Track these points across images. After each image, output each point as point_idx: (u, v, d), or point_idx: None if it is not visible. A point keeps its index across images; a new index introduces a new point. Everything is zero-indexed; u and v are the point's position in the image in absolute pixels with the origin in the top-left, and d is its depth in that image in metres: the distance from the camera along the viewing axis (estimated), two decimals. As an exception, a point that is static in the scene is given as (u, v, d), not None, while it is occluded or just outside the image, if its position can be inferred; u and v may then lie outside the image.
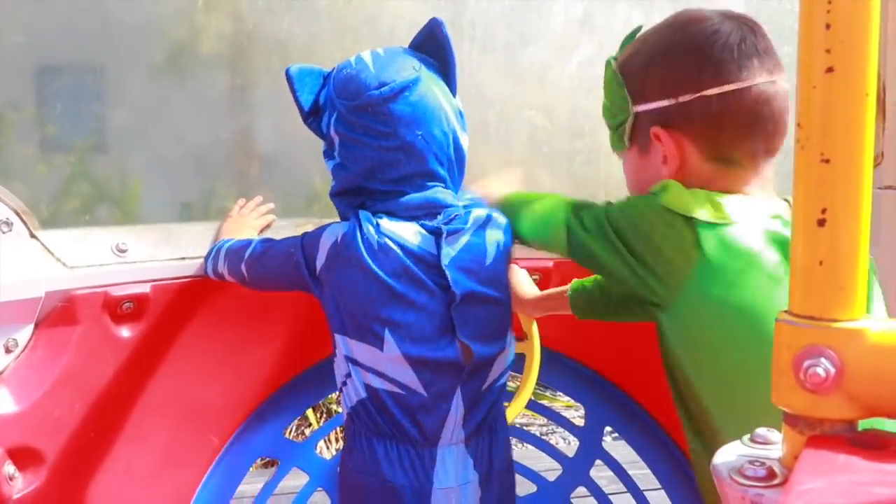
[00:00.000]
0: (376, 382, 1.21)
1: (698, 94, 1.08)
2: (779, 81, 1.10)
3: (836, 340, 0.57)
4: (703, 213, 1.05)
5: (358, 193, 1.26)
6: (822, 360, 0.57)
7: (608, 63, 1.18)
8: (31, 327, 1.34)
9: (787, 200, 1.15)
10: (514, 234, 1.29)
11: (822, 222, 0.55)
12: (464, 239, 1.23)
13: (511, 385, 2.01)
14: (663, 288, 1.06)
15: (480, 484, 1.25)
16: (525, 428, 3.22)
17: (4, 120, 1.53)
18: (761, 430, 0.67)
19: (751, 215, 1.07)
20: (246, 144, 1.69)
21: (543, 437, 2.60)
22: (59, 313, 1.36)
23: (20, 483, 1.31)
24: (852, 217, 0.55)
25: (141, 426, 1.47)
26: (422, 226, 1.23)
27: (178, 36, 1.67)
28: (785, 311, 0.59)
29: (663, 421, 1.79)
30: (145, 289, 1.43)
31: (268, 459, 2.48)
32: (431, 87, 1.24)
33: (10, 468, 1.29)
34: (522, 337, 1.59)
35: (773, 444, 0.66)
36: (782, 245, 1.05)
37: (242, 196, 1.58)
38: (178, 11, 1.65)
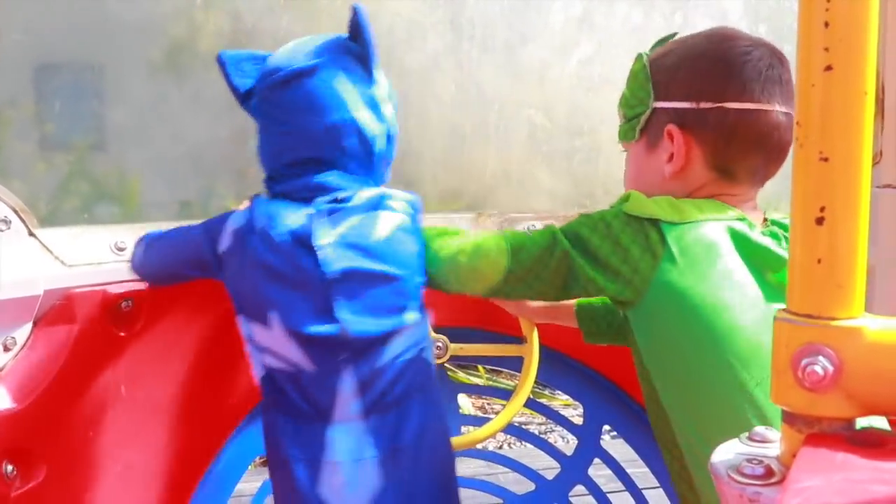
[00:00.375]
0: (270, 361, 1.24)
1: (719, 105, 1.13)
2: (791, 114, 1.14)
3: (834, 339, 0.57)
4: (666, 214, 1.10)
5: (270, 178, 1.30)
6: (821, 358, 0.57)
7: (639, 56, 1.24)
8: (29, 325, 1.33)
9: (767, 218, 1.20)
10: (429, 274, 1.28)
11: (820, 220, 0.55)
12: (353, 218, 1.24)
13: (509, 383, 2.00)
14: (630, 286, 1.11)
15: (383, 461, 1.22)
16: (524, 426, 3.22)
17: (3, 118, 1.53)
18: (759, 429, 0.67)
19: (715, 216, 1.11)
20: (245, 143, 1.68)
21: (542, 436, 2.60)
22: (58, 311, 1.36)
23: (18, 482, 1.31)
24: (851, 215, 0.55)
25: (139, 425, 1.47)
26: (305, 207, 1.24)
27: (177, 34, 1.67)
28: (783, 310, 0.59)
29: (662, 420, 1.79)
30: (144, 287, 1.43)
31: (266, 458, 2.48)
32: (335, 74, 1.24)
33: (8, 467, 1.29)
34: (523, 340, 1.59)
35: (772, 442, 0.66)
36: (744, 243, 1.09)
37: (241, 195, 1.58)
38: (177, 10, 1.65)
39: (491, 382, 3.54)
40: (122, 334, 1.43)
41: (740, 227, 1.11)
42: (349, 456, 1.21)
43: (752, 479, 0.60)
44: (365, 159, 1.27)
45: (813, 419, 0.59)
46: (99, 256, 1.42)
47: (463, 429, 1.94)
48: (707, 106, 1.14)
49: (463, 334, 1.60)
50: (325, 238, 1.22)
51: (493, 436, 1.81)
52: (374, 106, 1.27)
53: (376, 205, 1.26)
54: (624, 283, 1.11)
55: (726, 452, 0.65)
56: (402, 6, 1.73)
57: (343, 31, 1.28)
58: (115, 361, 1.43)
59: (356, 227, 1.23)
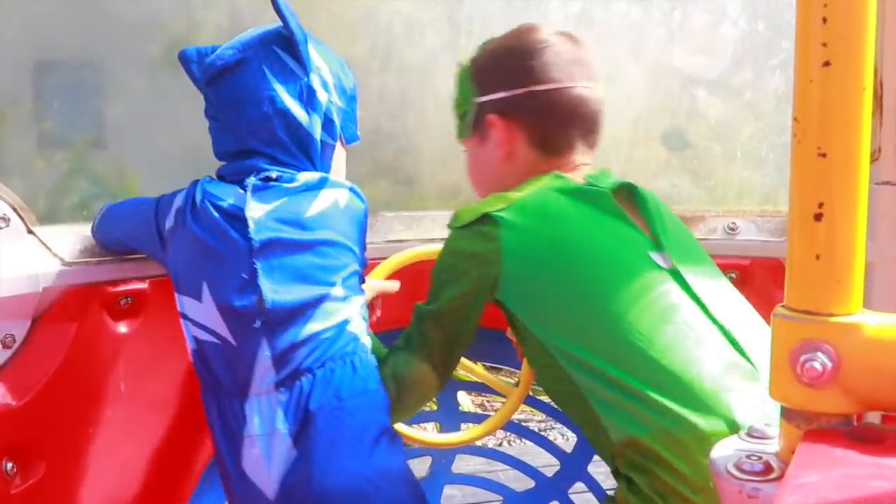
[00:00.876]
0: (200, 334, 1.27)
1: (528, 89, 1.30)
2: (596, 88, 1.33)
3: (832, 334, 0.57)
4: (492, 206, 1.23)
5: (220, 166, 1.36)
6: (819, 354, 0.57)
7: (461, 61, 1.39)
8: (28, 323, 1.33)
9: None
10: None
11: (818, 217, 0.55)
12: (286, 197, 1.27)
13: (508, 381, 2.01)
14: (488, 276, 1.22)
15: (293, 433, 1.22)
16: (523, 424, 3.22)
17: (2, 115, 1.53)
18: (758, 426, 0.67)
19: (533, 188, 1.26)
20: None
21: (542, 433, 2.61)
22: (57, 309, 1.36)
23: (18, 478, 1.31)
24: (849, 211, 0.55)
25: (139, 422, 1.47)
26: (240, 186, 1.28)
27: (176, 31, 1.66)
28: (781, 305, 0.59)
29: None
30: (143, 284, 1.43)
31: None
32: (258, 68, 1.28)
33: (8, 464, 1.29)
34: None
35: (770, 438, 0.66)
36: (565, 189, 1.25)
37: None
38: (176, 6, 1.65)
39: (490, 379, 3.53)
40: (121, 331, 1.43)
41: (558, 182, 1.27)
42: (262, 429, 1.22)
43: (751, 476, 0.60)
44: (298, 149, 1.31)
45: (811, 415, 0.59)
46: (98, 254, 1.42)
47: (462, 426, 1.94)
48: (519, 92, 1.30)
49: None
50: (254, 211, 1.25)
51: (492, 433, 1.81)
52: (305, 95, 1.29)
53: (316, 186, 1.29)
54: (485, 276, 1.22)
55: (725, 448, 0.65)
56: (400, 3, 1.73)
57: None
58: (114, 358, 1.43)
59: (288, 204, 1.27)
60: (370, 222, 1.57)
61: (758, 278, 1.65)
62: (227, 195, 1.27)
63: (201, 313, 1.26)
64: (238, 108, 1.28)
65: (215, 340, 1.25)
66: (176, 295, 1.30)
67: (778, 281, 1.74)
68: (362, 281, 1.35)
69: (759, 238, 1.67)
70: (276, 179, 1.28)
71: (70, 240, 1.40)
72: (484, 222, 1.22)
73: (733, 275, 1.63)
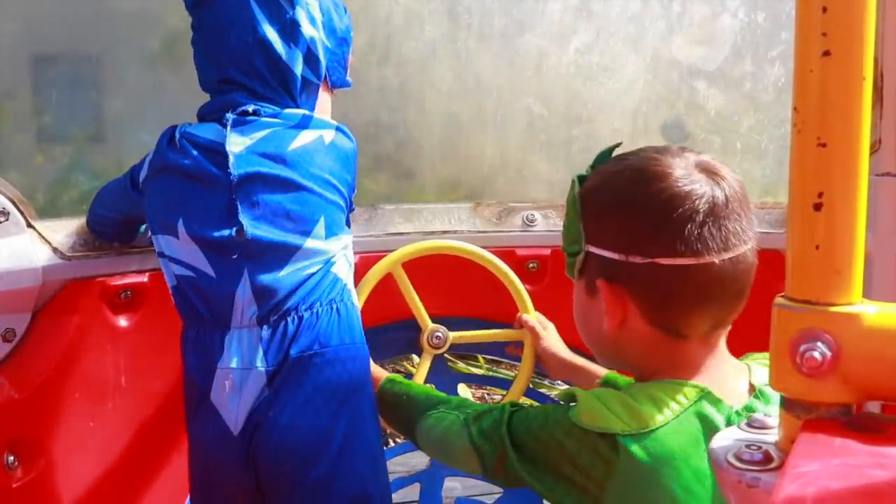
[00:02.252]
0: (178, 270, 1.26)
1: (649, 261, 0.97)
2: (745, 253, 0.99)
3: (832, 324, 0.57)
4: (617, 425, 0.97)
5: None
6: (819, 343, 0.57)
7: (574, 182, 1.07)
8: (28, 316, 1.34)
9: (748, 365, 1.06)
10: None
11: (818, 206, 0.55)
12: (266, 130, 1.25)
13: (509, 373, 2.01)
14: (585, 488, 1.00)
15: (269, 373, 1.21)
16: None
17: (1, 110, 1.53)
18: (758, 415, 0.67)
19: (674, 412, 0.98)
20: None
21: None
22: (57, 302, 1.36)
23: (20, 472, 1.31)
24: (849, 201, 0.55)
25: (139, 415, 1.47)
26: (219, 123, 1.27)
27: (173, 24, 1.66)
28: (781, 295, 0.59)
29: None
30: (143, 278, 1.43)
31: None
32: None
33: (9, 458, 1.29)
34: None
35: (770, 428, 0.66)
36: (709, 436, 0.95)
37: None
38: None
39: (491, 372, 3.54)
40: (122, 324, 1.44)
41: (708, 412, 0.98)
42: (239, 363, 1.21)
43: (751, 465, 0.60)
44: (278, 83, 1.28)
45: (811, 405, 0.59)
46: (97, 247, 1.42)
47: (462, 418, 1.94)
48: (637, 261, 0.98)
49: (461, 324, 1.60)
50: (234, 146, 1.23)
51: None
52: (288, 28, 1.27)
53: (299, 124, 1.27)
54: (581, 486, 1.00)
55: (725, 438, 0.65)
56: (399, -5, 1.73)
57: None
58: (114, 352, 1.43)
59: (269, 138, 1.25)
60: (369, 215, 1.57)
61: (758, 270, 1.65)
62: (206, 132, 1.27)
63: (178, 248, 1.25)
64: (220, 34, 1.27)
65: (192, 274, 1.24)
66: (153, 238, 1.29)
67: (778, 272, 1.74)
68: (348, 222, 1.34)
69: (760, 230, 1.67)
70: (253, 113, 1.26)
71: (70, 233, 1.41)
72: (604, 439, 0.97)
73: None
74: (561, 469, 1.01)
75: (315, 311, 1.23)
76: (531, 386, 1.72)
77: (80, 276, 1.38)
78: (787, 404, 0.61)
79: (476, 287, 1.57)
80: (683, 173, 0.97)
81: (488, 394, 3.78)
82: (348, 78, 1.40)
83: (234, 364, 1.21)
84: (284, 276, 1.23)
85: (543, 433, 1.04)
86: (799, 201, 0.56)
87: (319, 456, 1.20)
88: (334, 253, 1.27)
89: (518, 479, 1.06)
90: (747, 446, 0.62)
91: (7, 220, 1.32)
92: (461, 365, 3.40)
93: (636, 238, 0.98)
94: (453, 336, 1.53)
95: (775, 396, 1.00)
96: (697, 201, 0.96)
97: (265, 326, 1.22)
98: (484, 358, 3.48)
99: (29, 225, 1.36)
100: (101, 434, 1.43)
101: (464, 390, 3.57)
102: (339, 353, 1.24)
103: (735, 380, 1.03)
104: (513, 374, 2.17)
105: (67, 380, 1.37)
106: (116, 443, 1.45)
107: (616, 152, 1.07)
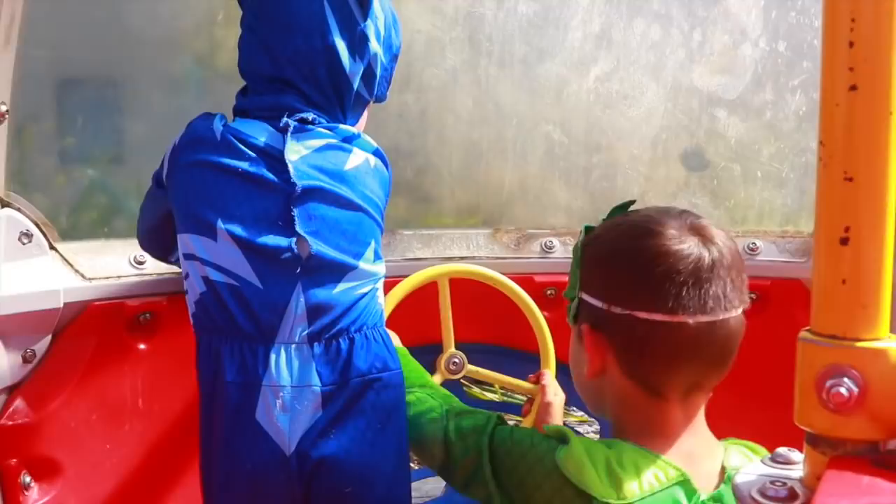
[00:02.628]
0: (212, 275, 1.16)
1: (628, 312, 0.99)
2: (728, 320, 0.98)
3: (859, 360, 0.56)
4: (597, 488, 0.97)
5: (241, 92, 1.28)
6: (845, 379, 0.56)
7: (581, 231, 1.11)
8: (48, 338, 1.34)
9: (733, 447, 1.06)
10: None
11: (845, 241, 0.55)
12: (320, 141, 1.21)
13: (523, 398, 1.99)
14: None
15: (325, 391, 1.16)
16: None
17: (25, 132, 1.54)
18: (782, 450, 0.66)
19: (652, 489, 0.98)
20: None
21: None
22: (77, 324, 1.37)
23: (36, 493, 1.31)
24: (876, 235, 0.55)
25: (156, 437, 1.47)
26: (271, 125, 1.20)
27: (197, 49, 1.68)
28: (806, 330, 0.59)
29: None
30: (162, 301, 1.44)
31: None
32: None
33: (26, 478, 1.30)
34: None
35: (795, 464, 0.65)
36: None
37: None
38: (198, 25, 1.67)
39: (506, 399, 3.52)
40: (141, 347, 1.44)
41: (679, 498, 0.97)
42: (290, 381, 1.15)
43: (775, 502, 0.60)
44: (333, 93, 1.24)
45: (837, 441, 0.58)
46: (118, 270, 1.43)
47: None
48: (617, 311, 0.99)
49: (482, 350, 1.60)
50: (294, 154, 1.18)
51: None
52: (357, 40, 1.23)
53: (348, 139, 1.23)
54: None
55: (750, 474, 0.64)
56: (421, 23, 1.74)
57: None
58: (133, 373, 1.44)
59: (325, 153, 1.20)
60: (387, 240, 1.57)
61: (778, 299, 1.64)
62: (258, 132, 1.20)
63: (216, 253, 1.17)
64: (285, 32, 1.20)
65: (233, 282, 1.16)
66: (182, 236, 1.20)
67: (798, 302, 1.73)
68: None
69: (780, 259, 1.66)
70: (311, 122, 1.21)
71: (91, 256, 1.42)
72: (581, 497, 0.98)
73: (753, 296, 1.61)
74: (530, 502, 1.02)
75: (364, 333, 1.21)
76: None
77: (101, 297, 1.39)
78: (812, 440, 0.60)
79: (497, 313, 1.57)
80: (674, 233, 0.99)
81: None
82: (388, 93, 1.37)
83: (285, 382, 1.15)
84: (338, 294, 1.19)
85: (523, 463, 1.04)
86: (825, 236, 0.56)
87: (377, 479, 1.19)
88: (380, 277, 1.26)
89: (479, 488, 1.08)
90: (772, 482, 0.61)
91: (31, 241, 1.33)
92: (476, 390, 3.38)
93: (619, 289, 1.00)
94: (470, 368, 1.52)
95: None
96: (681, 261, 0.97)
97: (316, 344, 1.17)
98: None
99: (51, 247, 1.37)
100: (117, 455, 1.43)
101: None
102: (392, 379, 1.21)
103: (711, 459, 1.03)
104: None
105: (85, 401, 1.38)
106: (133, 464, 1.45)
107: (632, 207, 1.08)
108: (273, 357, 1.15)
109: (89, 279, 1.39)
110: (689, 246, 0.98)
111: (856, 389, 0.56)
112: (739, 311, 1.00)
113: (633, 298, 0.99)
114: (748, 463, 1.00)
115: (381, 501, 1.19)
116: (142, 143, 1.67)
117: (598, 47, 1.78)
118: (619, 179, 1.78)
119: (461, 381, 1.74)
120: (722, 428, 1.70)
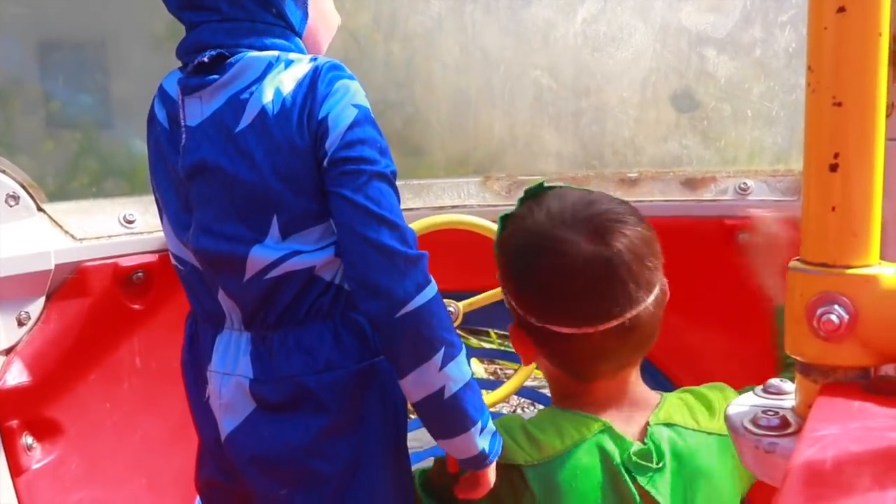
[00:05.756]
0: (173, 259, 1.11)
1: (542, 325, 1.04)
2: (637, 316, 1.01)
3: (849, 287, 0.56)
4: (521, 457, 1.03)
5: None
6: (836, 306, 0.56)
7: (497, 222, 1.13)
8: (42, 300, 1.34)
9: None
10: None
11: (834, 167, 0.54)
12: (220, 91, 0.99)
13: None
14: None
15: (254, 386, 1.02)
16: (538, 390, 3.23)
17: (8, 95, 1.52)
18: (774, 381, 0.67)
19: (574, 441, 1.04)
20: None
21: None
22: (70, 285, 1.36)
23: (39, 453, 1.32)
24: (865, 161, 0.54)
25: (155, 395, 1.48)
26: (182, 76, 1.03)
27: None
28: (796, 259, 0.59)
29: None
30: (154, 259, 1.44)
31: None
32: None
33: (28, 439, 1.31)
34: None
35: (787, 394, 0.66)
36: (607, 468, 1.03)
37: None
38: (178, -21, 1.63)
39: (503, 347, 3.55)
40: (135, 306, 1.44)
41: (607, 446, 1.04)
42: (223, 368, 1.05)
43: (768, 431, 0.60)
44: (255, 6, 1.01)
45: (829, 369, 0.58)
46: (108, 229, 1.43)
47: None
48: (532, 321, 1.05)
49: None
50: (190, 117, 1.01)
51: (506, 399, 1.82)
52: None
53: (262, 73, 0.99)
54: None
55: (741, 405, 0.64)
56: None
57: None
58: (129, 333, 1.44)
59: (229, 106, 0.99)
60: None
61: (773, 235, 1.64)
62: (172, 90, 1.05)
63: (170, 239, 1.09)
64: None
65: (181, 267, 1.09)
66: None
67: (792, 239, 1.73)
68: None
69: (772, 198, 1.66)
70: (209, 65, 0.99)
71: (80, 216, 1.41)
72: (513, 470, 1.04)
73: (746, 235, 1.62)
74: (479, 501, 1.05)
75: (306, 325, 1.04)
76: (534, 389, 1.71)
77: (92, 258, 1.39)
78: (803, 369, 0.61)
79: (487, 261, 1.57)
80: (568, 248, 1.00)
81: (501, 368, 3.79)
82: None
83: (220, 368, 1.06)
84: (248, 284, 1.03)
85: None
86: (814, 163, 0.55)
87: (315, 485, 1.05)
88: (308, 253, 1.05)
89: None
90: (764, 412, 0.62)
91: (17, 203, 1.32)
92: (473, 340, 3.40)
93: (528, 303, 1.05)
94: (464, 305, 1.51)
95: (664, 438, 1.05)
96: (576, 279, 0.99)
97: (250, 335, 1.04)
98: (496, 333, 3.49)
99: (39, 209, 1.36)
100: (118, 413, 1.44)
101: (476, 365, 3.58)
102: (325, 380, 1.04)
103: (641, 413, 1.09)
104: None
105: (83, 361, 1.38)
106: (134, 422, 1.46)
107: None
108: (218, 342, 1.07)
109: (79, 240, 1.38)
110: (584, 260, 0.99)
111: (846, 316, 0.56)
112: (650, 300, 1.02)
113: (542, 314, 1.04)
114: (683, 411, 1.09)
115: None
116: (127, 103, 1.65)
117: (585, -13, 1.75)
118: (608, 123, 1.77)
119: (458, 332, 1.75)
120: (718, 369, 1.72)
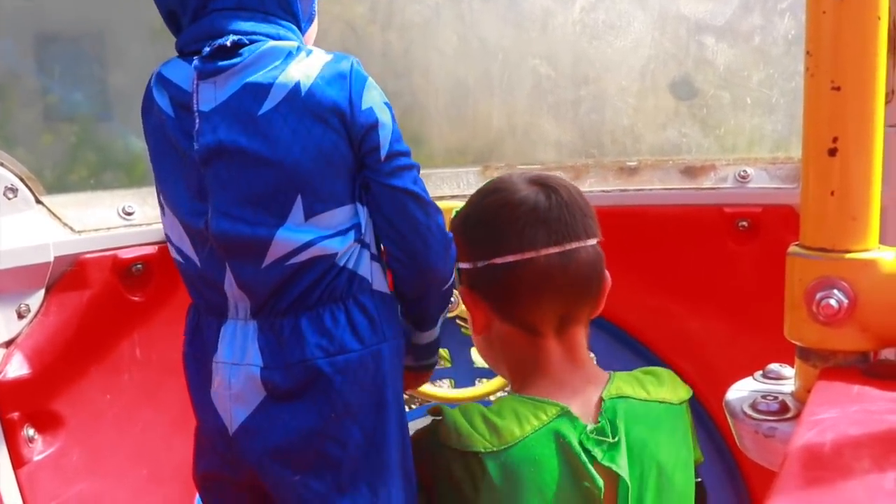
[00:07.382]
0: (173, 251, 1.10)
1: (489, 262, 1.11)
2: (576, 249, 1.09)
3: (848, 271, 0.56)
4: (480, 443, 1.05)
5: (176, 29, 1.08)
6: (835, 291, 0.56)
7: (453, 214, 1.22)
8: (42, 292, 1.34)
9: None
10: None
11: (833, 151, 0.54)
12: (238, 77, 1.00)
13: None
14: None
15: (265, 374, 1.02)
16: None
17: (6, 87, 1.52)
18: (774, 366, 0.67)
19: (533, 427, 1.06)
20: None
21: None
22: (70, 278, 1.36)
23: (40, 445, 1.33)
24: (864, 145, 0.54)
25: (156, 386, 1.48)
26: (196, 61, 1.02)
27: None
28: (796, 244, 0.59)
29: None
30: (153, 251, 1.44)
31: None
32: None
33: (29, 431, 1.31)
34: None
35: (786, 378, 0.66)
36: (565, 454, 1.04)
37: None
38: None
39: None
40: (135, 298, 1.44)
41: (564, 430, 1.05)
42: (232, 358, 1.04)
43: (767, 415, 0.60)
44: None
45: (828, 353, 0.59)
46: (107, 221, 1.42)
47: (476, 381, 1.95)
48: (481, 265, 1.12)
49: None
50: (204, 102, 1.00)
51: (506, 387, 1.82)
52: None
53: (287, 57, 1.01)
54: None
55: (741, 390, 0.65)
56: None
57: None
58: (128, 324, 1.44)
59: (247, 91, 0.99)
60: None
61: (770, 226, 1.64)
62: (180, 78, 1.03)
63: (171, 229, 1.08)
64: None
65: (180, 259, 1.08)
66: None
67: (790, 228, 1.73)
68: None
69: (771, 185, 1.66)
70: (230, 49, 1.00)
71: (79, 208, 1.41)
72: (473, 457, 1.05)
73: (745, 223, 1.62)
74: (439, 484, 1.08)
75: (316, 311, 1.05)
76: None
77: (91, 250, 1.39)
78: (802, 354, 0.61)
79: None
80: (515, 186, 1.13)
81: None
82: None
83: (227, 359, 1.05)
84: (267, 270, 1.03)
85: (419, 465, 1.10)
86: (813, 147, 0.55)
87: (328, 473, 1.05)
88: (327, 237, 1.05)
89: None
90: (763, 397, 0.62)
91: (16, 196, 1.32)
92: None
93: (478, 246, 1.13)
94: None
95: (618, 411, 1.07)
96: (520, 206, 1.10)
97: (258, 322, 1.04)
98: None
99: (38, 201, 1.35)
100: (118, 405, 1.44)
101: (476, 354, 3.59)
102: (340, 364, 1.04)
103: (594, 391, 1.11)
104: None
105: (83, 353, 1.38)
106: (134, 414, 1.47)
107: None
108: (223, 333, 1.06)
109: (78, 232, 1.38)
110: (527, 194, 1.11)
111: (846, 301, 0.56)
112: (589, 243, 1.11)
113: (490, 249, 1.12)
114: (633, 384, 1.12)
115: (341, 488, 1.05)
116: (125, 95, 1.64)
117: (582, -24, 1.75)
118: (607, 112, 1.77)
119: (457, 321, 1.75)
120: (718, 356, 1.72)
